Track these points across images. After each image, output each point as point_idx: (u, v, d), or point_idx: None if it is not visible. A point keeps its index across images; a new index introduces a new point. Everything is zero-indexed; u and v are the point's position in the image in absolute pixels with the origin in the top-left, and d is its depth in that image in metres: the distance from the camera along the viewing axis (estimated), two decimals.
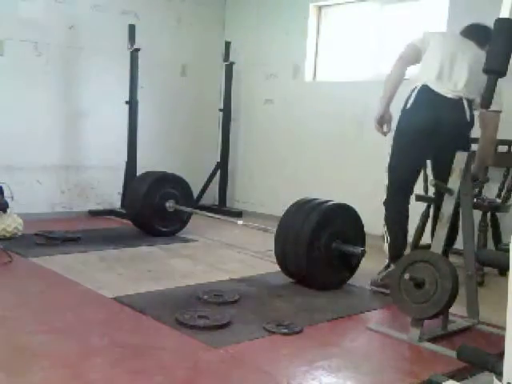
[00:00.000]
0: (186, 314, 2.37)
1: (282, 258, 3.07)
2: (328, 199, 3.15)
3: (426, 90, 2.94)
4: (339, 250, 3.00)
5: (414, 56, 3.05)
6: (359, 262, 3.16)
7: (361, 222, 3.17)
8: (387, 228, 3.11)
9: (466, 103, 2.94)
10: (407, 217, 3.08)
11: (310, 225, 2.93)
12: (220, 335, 2.22)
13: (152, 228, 4.16)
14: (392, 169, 3.06)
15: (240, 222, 3.88)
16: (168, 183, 4.23)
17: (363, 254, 3.01)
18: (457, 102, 2.93)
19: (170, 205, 4.17)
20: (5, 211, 3.75)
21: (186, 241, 4.11)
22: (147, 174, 4.33)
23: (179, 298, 2.70)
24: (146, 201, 4.09)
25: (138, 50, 4.68)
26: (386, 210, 3.10)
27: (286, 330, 2.31)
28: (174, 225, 4.26)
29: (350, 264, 3.11)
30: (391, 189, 3.06)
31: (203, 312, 2.43)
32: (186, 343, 2.14)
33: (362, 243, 3.13)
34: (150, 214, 4.12)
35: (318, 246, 2.95)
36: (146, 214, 4.11)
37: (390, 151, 3.08)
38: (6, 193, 3.81)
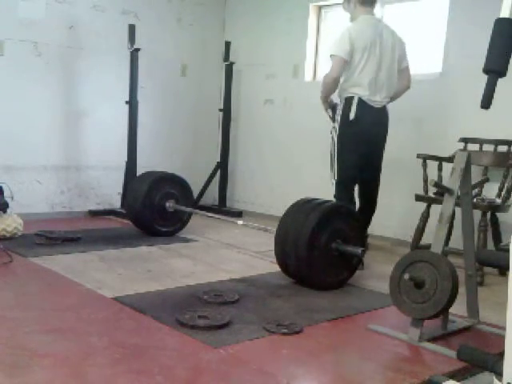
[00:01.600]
0: (186, 314, 2.37)
1: (281, 258, 3.07)
2: (328, 199, 3.15)
3: (362, 105, 3.45)
4: (339, 250, 3.00)
5: (343, 70, 3.47)
6: (359, 262, 3.16)
7: (360, 221, 3.17)
8: None
9: (387, 106, 3.58)
10: (355, 202, 3.63)
11: (310, 225, 2.92)
12: (220, 335, 2.22)
13: (152, 228, 4.16)
14: (343, 173, 3.52)
15: (240, 222, 3.88)
16: (168, 183, 4.23)
17: (363, 254, 3.00)
18: (383, 110, 3.55)
19: (170, 205, 4.17)
20: (5, 211, 3.74)
21: (186, 241, 4.11)
22: (147, 173, 4.33)
23: (179, 298, 2.70)
24: (146, 201, 4.09)
25: (137, 50, 4.68)
26: (340, 200, 3.50)
27: (285, 330, 2.31)
28: (174, 225, 4.26)
29: (350, 264, 3.11)
30: (343, 186, 3.54)
31: (203, 312, 2.43)
32: (186, 343, 2.14)
33: (362, 243, 3.12)
34: (150, 214, 4.12)
35: (318, 246, 2.95)
36: (146, 214, 4.11)
37: (334, 155, 3.55)
38: (6, 193, 3.81)
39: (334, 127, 3.56)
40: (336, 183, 3.55)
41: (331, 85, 3.49)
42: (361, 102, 3.44)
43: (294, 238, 2.96)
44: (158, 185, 4.15)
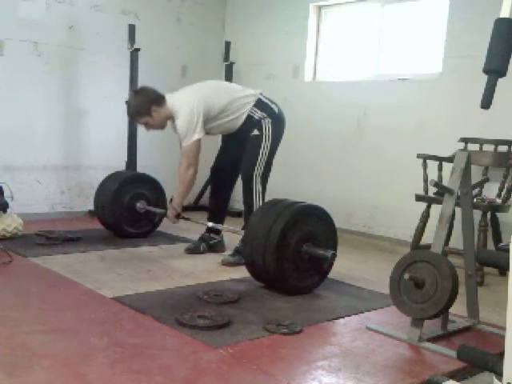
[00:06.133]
0: (186, 314, 2.37)
1: (250, 261, 2.95)
2: (300, 200, 3.01)
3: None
4: (309, 254, 2.88)
5: None
6: (331, 266, 3.01)
7: (333, 223, 3.02)
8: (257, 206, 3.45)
9: None
10: None
11: (278, 227, 2.79)
12: (220, 335, 2.22)
13: (120, 230, 4.00)
14: (269, 164, 3.62)
15: (210, 224, 3.69)
16: (138, 183, 4.08)
17: (334, 257, 2.90)
18: None
19: (140, 206, 4.03)
20: (5, 211, 3.74)
21: (186, 241, 4.10)
22: (116, 174, 4.18)
23: (179, 298, 2.70)
24: (115, 202, 3.93)
25: (137, 49, 4.68)
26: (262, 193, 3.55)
27: (285, 330, 2.31)
28: (144, 226, 4.11)
29: (321, 268, 2.97)
30: (266, 179, 3.59)
31: (203, 312, 2.43)
32: (186, 343, 2.14)
33: (334, 246, 3.00)
34: (118, 216, 3.96)
35: (288, 249, 2.82)
36: (115, 215, 3.96)
37: (263, 151, 3.61)
38: (6, 193, 3.81)
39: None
40: (261, 178, 3.61)
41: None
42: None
43: (262, 241, 2.81)
44: (127, 185, 4.01)
